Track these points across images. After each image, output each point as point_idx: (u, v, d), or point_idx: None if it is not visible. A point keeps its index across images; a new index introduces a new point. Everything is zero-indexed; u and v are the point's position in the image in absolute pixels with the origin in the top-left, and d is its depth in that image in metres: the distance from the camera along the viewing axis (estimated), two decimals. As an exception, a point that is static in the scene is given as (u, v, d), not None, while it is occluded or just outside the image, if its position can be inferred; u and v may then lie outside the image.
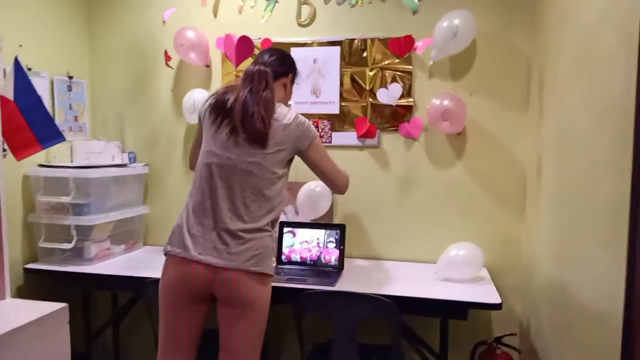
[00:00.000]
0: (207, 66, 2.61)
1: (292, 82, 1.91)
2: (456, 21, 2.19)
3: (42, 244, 2.32)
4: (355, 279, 2.16)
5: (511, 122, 2.33)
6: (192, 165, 1.93)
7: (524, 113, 2.32)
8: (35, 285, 2.37)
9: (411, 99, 2.43)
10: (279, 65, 1.82)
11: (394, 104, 2.43)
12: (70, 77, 2.62)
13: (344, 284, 2.07)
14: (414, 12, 2.23)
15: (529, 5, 2.27)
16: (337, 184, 1.87)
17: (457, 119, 2.28)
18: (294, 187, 2.45)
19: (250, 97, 1.68)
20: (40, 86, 2.39)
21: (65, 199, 2.26)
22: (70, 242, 2.28)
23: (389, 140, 2.48)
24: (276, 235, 1.78)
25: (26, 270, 2.30)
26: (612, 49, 1.27)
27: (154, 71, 2.71)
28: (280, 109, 1.73)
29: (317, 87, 2.54)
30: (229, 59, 2.46)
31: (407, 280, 2.16)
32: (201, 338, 1.76)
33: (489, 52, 2.33)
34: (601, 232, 1.33)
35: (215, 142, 1.71)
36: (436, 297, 1.93)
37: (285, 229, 2.35)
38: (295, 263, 2.31)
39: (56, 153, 2.53)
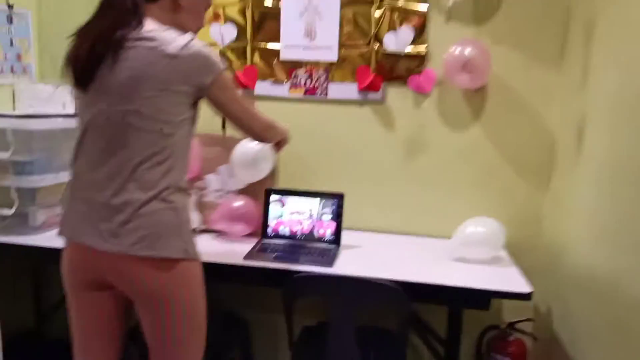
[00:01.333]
0: None
1: None
2: (487, -50, 1.80)
3: (-23, 209, 1.92)
4: (356, 257, 1.84)
5: (541, 80, 1.99)
6: None
7: (558, 69, 1.97)
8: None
9: (424, 46, 2.05)
10: None
11: (403, 52, 2.05)
12: (11, 6, 2.14)
13: (342, 264, 1.75)
14: None
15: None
16: (254, 130, 1.43)
17: (481, 71, 1.93)
18: (229, 143, 2.03)
19: (91, 23, 1.28)
20: (-31, 13, 1.93)
21: (2, 155, 1.84)
22: (10, 207, 1.88)
23: (396, 95, 2.12)
24: (185, 204, 1.33)
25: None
26: None
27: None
28: (163, 34, 1.23)
29: (312, 28, 2.13)
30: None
31: (416, 259, 1.85)
32: (123, 336, 1.42)
33: (520, -7, 1.96)
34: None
35: (84, 93, 1.28)
36: (453, 283, 1.62)
37: (273, 197, 2.00)
38: (284, 237, 1.97)
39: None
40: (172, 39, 1.22)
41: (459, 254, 1.85)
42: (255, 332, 2.31)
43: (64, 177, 2.02)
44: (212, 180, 2.09)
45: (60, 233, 1.34)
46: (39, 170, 1.92)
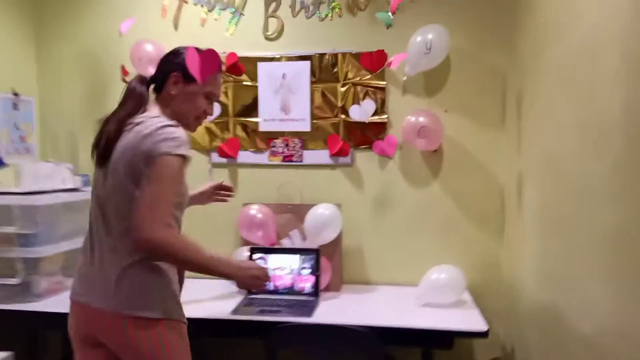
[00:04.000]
0: (169, 82, 2.44)
1: (187, 81, 1.48)
2: (430, 36, 2.12)
3: (-16, 280, 2.08)
4: (333, 308, 2.02)
5: (488, 140, 2.27)
6: None
7: (501, 131, 2.26)
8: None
9: (385, 116, 2.34)
10: (158, 70, 1.52)
11: (367, 121, 2.33)
12: (16, 94, 2.40)
13: (321, 315, 1.93)
14: (388, 26, 2.14)
15: (505, 23, 2.20)
16: (141, 222, 1.29)
17: (434, 136, 2.20)
18: (300, 210, 2.30)
19: (115, 112, 1.46)
20: (-19, 104, 2.18)
21: (9, 229, 2.03)
22: (16, 277, 2.05)
23: (363, 159, 2.38)
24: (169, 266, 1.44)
25: (-36, 310, 2.04)
26: (612, 69, 1.19)
27: (110, 86, 2.51)
28: (153, 119, 1.40)
29: (286, 104, 2.41)
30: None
31: (387, 306, 2.04)
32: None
33: (463, 69, 2.27)
34: (598, 261, 1.25)
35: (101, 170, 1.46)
36: (419, 326, 1.81)
37: (255, 255, 2.20)
38: (268, 292, 2.16)
39: (1, 178, 2.29)
40: (156, 122, 1.37)
41: (426, 300, 2.04)
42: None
43: (65, 246, 2.22)
44: (287, 244, 2.29)
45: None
46: (41, 241, 2.10)
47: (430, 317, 1.90)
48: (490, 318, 2.10)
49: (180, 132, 1.38)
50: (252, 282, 1.51)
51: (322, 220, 2.20)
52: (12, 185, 2.35)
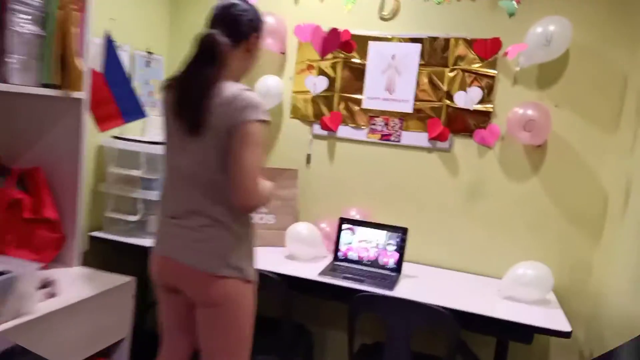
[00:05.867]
0: (282, 53, 2.59)
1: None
2: (551, 27, 2.06)
3: (109, 214, 2.39)
4: (414, 285, 2.10)
5: (597, 141, 2.18)
6: None
7: (612, 133, 2.16)
8: (98, 252, 2.45)
9: (490, 105, 2.32)
10: (236, 27, 1.53)
11: (471, 109, 2.33)
12: (150, 53, 2.67)
13: (401, 289, 2.02)
14: (511, 15, 2.10)
15: (632, 21, 2.09)
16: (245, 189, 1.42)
17: (540, 130, 2.16)
18: None
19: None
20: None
21: (135, 173, 2.31)
22: (136, 215, 2.34)
23: (462, 146, 2.39)
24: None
25: (91, 238, 2.37)
26: None
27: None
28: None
29: (392, 84, 2.47)
30: (314, 48, 2.43)
31: (469, 293, 2.08)
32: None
33: (581, 64, 2.18)
34: None
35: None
36: (500, 316, 1.84)
37: (345, 226, 2.31)
38: (352, 261, 2.27)
39: (130, 126, 2.59)
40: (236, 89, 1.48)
41: (509, 293, 2.05)
42: (318, 343, 2.60)
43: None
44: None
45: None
46: (159, 186, 2.37)
47: (511, 310, 1.92)
48: (571, 320, 2.08)
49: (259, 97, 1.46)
50: None
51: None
52: (139, 134, 2.66)
